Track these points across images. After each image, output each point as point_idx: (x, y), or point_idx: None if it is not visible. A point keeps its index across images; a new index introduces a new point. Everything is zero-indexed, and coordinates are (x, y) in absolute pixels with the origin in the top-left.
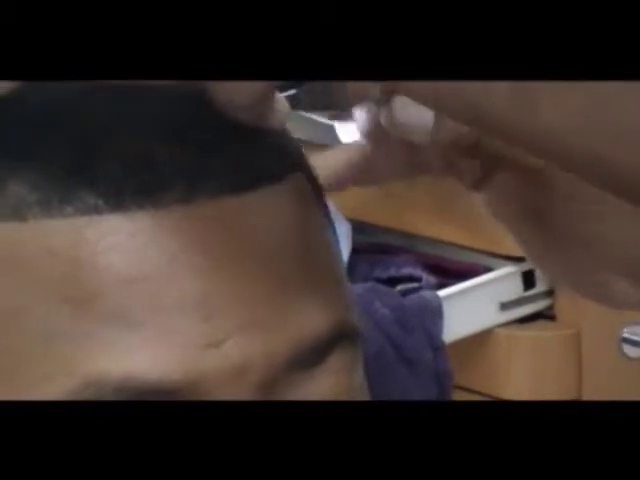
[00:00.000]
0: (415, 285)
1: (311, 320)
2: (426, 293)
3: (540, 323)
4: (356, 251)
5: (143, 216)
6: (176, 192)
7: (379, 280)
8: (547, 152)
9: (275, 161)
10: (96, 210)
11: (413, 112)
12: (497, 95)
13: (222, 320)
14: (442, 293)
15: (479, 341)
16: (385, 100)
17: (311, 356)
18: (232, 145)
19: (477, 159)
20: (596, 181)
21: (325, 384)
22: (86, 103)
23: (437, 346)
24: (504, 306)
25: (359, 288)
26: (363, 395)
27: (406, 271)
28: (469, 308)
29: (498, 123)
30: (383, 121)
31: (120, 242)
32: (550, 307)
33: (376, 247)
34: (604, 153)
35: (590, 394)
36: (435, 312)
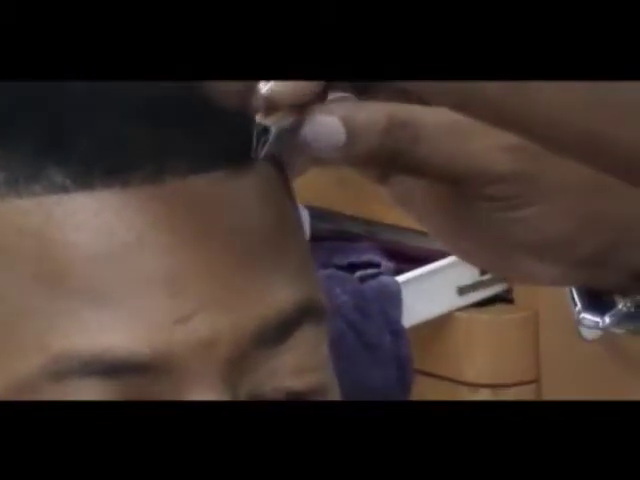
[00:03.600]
0: (374, 271)
1: (277, 296)
2: (385, 279)
3: (498, 306)
4: (315, 238)
5: (111, 195)
6: (145, 172)
7: (338, 267)
8: (544, 138)
9: (243, 143)
10: (64, 189)
11: (324, 131)
12: (495, 84)
13: (189, 296)
14: (401, 278)
15: (439, 325)
16: (294, 121)
17: (277, 332)
18: (201, 126)
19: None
20: (593, 162)
21: (291, 360)
22: (55, 83)
23: (397, 330)
24: (462, 290)
25: (319, 275)
26: (328, 372)
27: (365, 257)
28: (428, 293)
29: (492, 109)
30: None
31: (88, 220)
32: (508, 290)
33: (335, 234)
34: (602, 133)
35: (548, 375)
36: (394, 297)
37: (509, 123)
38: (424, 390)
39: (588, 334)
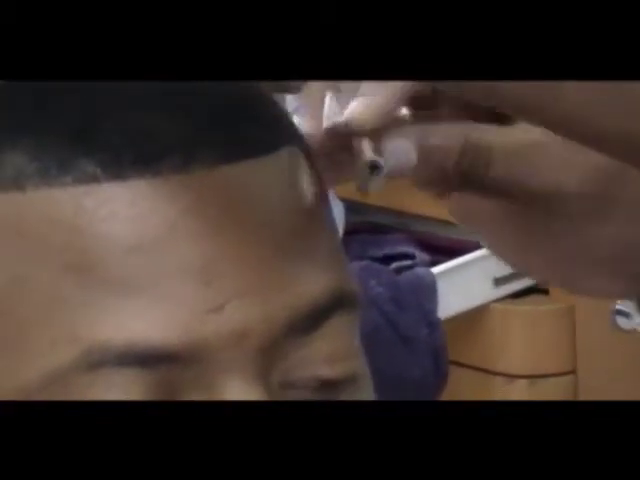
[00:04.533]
0: (409, 263)
1: (309, 285)
2: (420, 270)
3: (534, 297)
4: (350, 231)
5: (142, 184)
6: (174, 161)
7: (373, 259)
8: (575, 133)
9: (271, 132)
10: (95, 179)
11: (399, 152)
12: (529, 87)
13: (222, 285)
14: (436, 270)
15: (474, 317)
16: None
17: (309, 321)
18: (229, 116)
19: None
20: (626, 158)
21: (323, 349)
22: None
23: (432, 322)
24: (498, 281)
25: (354, 267)
26: (360, 361)
27: (400, 249)
28: (463, 284)
29: (526, 108)
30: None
31: (119, 210)
32: None
33: (369, 226)
34: (633, 129)
35: (584, 367)
36: (429, 289)
37: (547, 126)
38: (460, 381)
39: (624, 324)
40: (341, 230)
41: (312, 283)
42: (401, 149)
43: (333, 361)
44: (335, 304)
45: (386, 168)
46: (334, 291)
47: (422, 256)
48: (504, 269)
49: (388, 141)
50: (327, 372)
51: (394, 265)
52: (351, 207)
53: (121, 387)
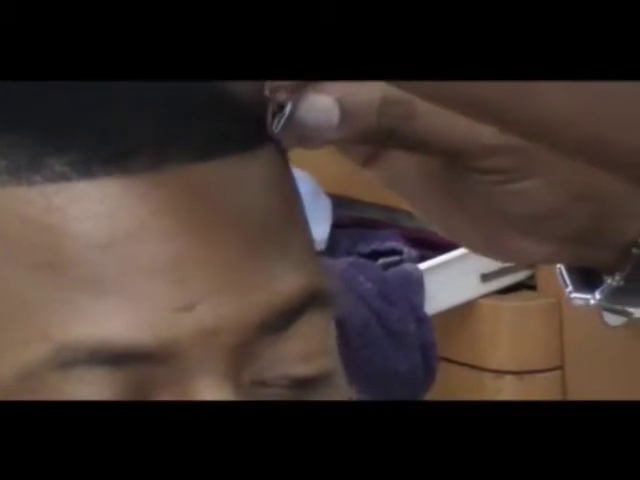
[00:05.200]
0: (397, 258)
1: (282, 284)
2: (408, 266)
3: (522, 293)
4: (338, 226)
5: (112, 183)
6: (145, 159)
7: (362, 254)
8: (547, 140)
9: (245, 131)
10: (65, 177)
11: (318, 111)
12: (498, 87)
13: (193, 284)
14: (424, 266)
15: (462, 312)
16: (289, 103)
17: (283, 318)
18: (202, 113)
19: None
20: (599, 164)
21: (296, 347)
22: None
23: (421, 317)
24: (485, 277)
25: (342, 262)
26: (334, 358)
27: (388, 245)
28: (451, 280)
29: (501, 115)
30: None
31: (89, 208)
32: (531, 277)
33: (357, 221)
34: (604, 136)
35: (572, 362)
36: (417, 284)
37: (512, 127)
38: (448, 377)
39: (612, 320)
40: (328, 225)
41: (285, 281)
42: (321, 105)
43: (306, 359)
44: (308, 302)
45: (306, 122)
46: (307, 289)
47: (410, 252)
48: (492, 265)
49: (307, 96)
50: (300, 370)
51: (382, 261)
52: (340, 202)
53: (92, 386)
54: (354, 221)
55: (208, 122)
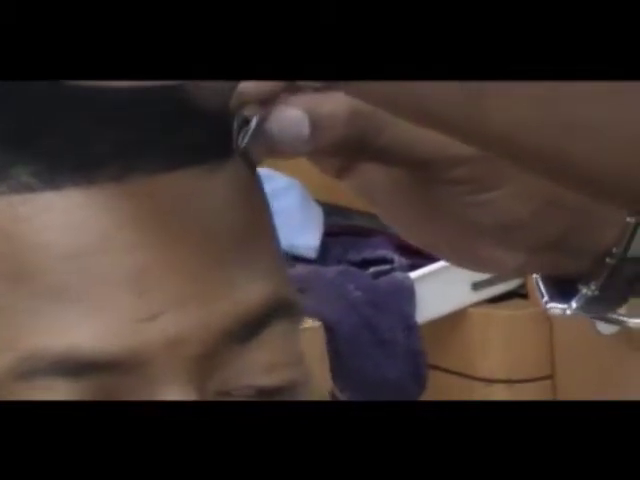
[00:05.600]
0: (387, 267)
1: (247, 294)
2: (398, 275)
3: (513, 302)
4: (329, 234)
5: (77, 193)
6: (110, 170)
7: (352, 262)
8: (502, 153)
9: (211, 142)
10: (30, 188)
11: (288, 124)
12: (451, 101)
13: (157, 294)
14: (415, 274)
15: (453, 321)
16: (253, 118)
17: (247, 329)
18: (167, 124)
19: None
20: (554, 178)
21: (261, 357)
22: (22, 82)
23: (410, 326)
24: (476, 286)
25: (332, 271)
26: (301, 369)
27: (379, 253)
28: (442, 288)
29: (456, 128)
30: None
31: (54, 219)
32: (522, 285)
33: (349, 229)
34: (559, 151)
35: (563, 371)
36: (407, 293)
37: (475, 144)
38: (439, 385)
39: (604, 329)
40: (319, 233)
41: (249, 291)
42: (293, 119)
43: (271, 370)
44: (273, 312)
45: (276, 135)
46: (272, 299)
47: (401, 260)
48: (482, 274)
49: (277, 110)
50: (265, 381)
51: (372, 269)
52: (331, 210)
53: (57, 395)
54: (345, 229)
55: (174, 133)
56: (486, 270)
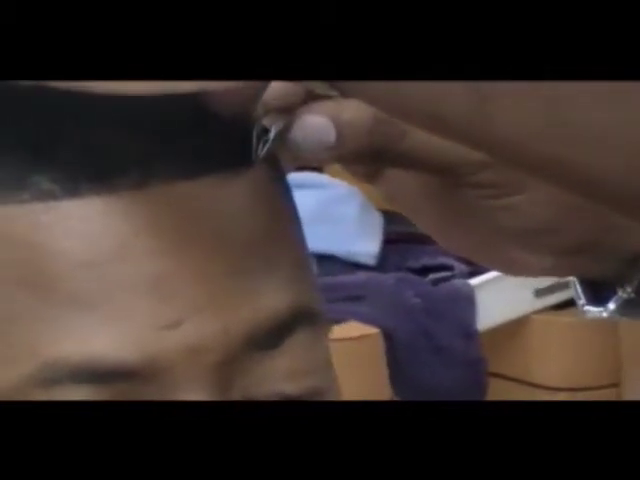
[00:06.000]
0: (447, 274)
1: (270, 301)
2: (457, 282)
3: (576, 309)
4: (389, 241)
5: (98, 201)
6: (130, 177)
7: (412, 269)
8: (507, 158)
9: (232, 149)
10: (51, 196)
11: (313, 131)
12: (456, 105)
13: (178, 301)
14: (475, 281)
15: (515, 328)
16: (282, 124)
17: (269, 337)
18: (188, 131)
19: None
20: (559, 184)
21: (285, 364)
22: (42, 90)
23: (469, 334)
24: (539, 292)
25: (390, 278)
26: (326, 376)
27: (438, 260)
28: (504, 295)
29: (458, 131)
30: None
31: (75, 227)
32: None
33: (409, 237)
34: (562, 156)
35: (629, 379)
36: (467, 300)
37: (480, 149)
38: (500, 393)
39: None
40: (379, 241)
41: (273, 299)
42: (317, 127)
43: (295, 377)
44: (295, 320)
45: (300, 143)
46: (294, 307)
47: (461, 267)
48: (546, 280)
49: (301, 117)
50: (287, 388)
51: (431, 276)
52: (390, 218)
53: None
54: (405, 236)
55: (194, 140)
56: (515, 273)
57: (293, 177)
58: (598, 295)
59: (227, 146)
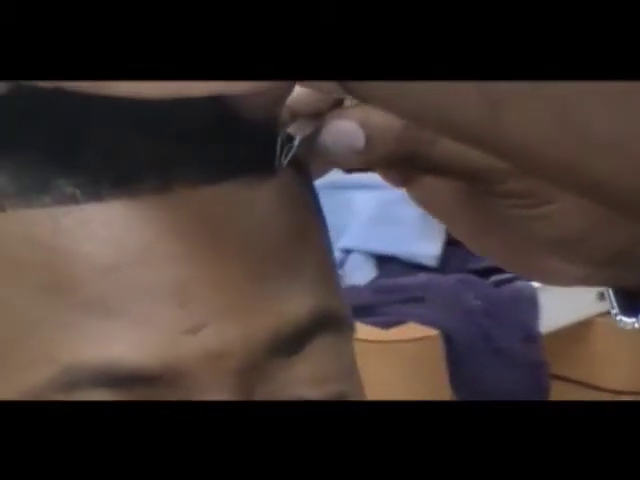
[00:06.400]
0: (509, 276)
1: (292, 307)
2: (520, 283)
3: None
4: (450, 242)
5: (119, 205)
6: (153, 182)
7: (473, 271)
8: (519, 164)
9: (257, 153)
10: (74, 200)
11: (343, 136)
12: (467, 110)
13: (199, 306)
14: (538, 283)
15: (578, 331)
16: (314, 129)
17: (292, 342)
18: (211, 135)
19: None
20: (570, 189)
21: (307, 370)
22: (64, 93)
23: (531, 336)
24: (603, 295)
25: (451, 279)
26: (350, 382)
27: None
28: (567, 298)
29: (470, 135)
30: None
31: (97, 231)
32: None
33: None
34: (573, 162)
35: None
36: (529, 302)
37: (491, 153)
38: (564, 396)
39: None
40: (441, 242)
41: (295, 304)
42: (347, 132)
43: (318, 383)
44: (320, 324)
45: (335, 151)
46: (317, 313)
47: None
48: None
49: (331, 122)
50: (311, 394)
51: (493, 278)
52: None
53: None
54: None
55: (218, 144)
56: (549, 282)
57: (353, 178)
58: (632, 305)
59: (251, 151)
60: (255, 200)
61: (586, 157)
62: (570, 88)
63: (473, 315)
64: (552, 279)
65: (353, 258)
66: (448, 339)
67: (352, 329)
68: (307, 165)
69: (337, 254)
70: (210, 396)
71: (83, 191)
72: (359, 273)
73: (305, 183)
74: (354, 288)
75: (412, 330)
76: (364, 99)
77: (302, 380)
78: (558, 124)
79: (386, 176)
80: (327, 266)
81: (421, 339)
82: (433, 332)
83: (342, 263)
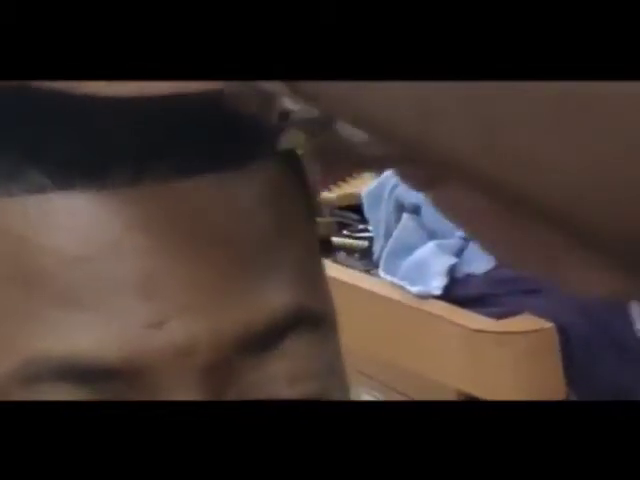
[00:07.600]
0: None
1: (264, 302)
2: None
3: None
4: None
5: (89, 196)
6: (124, 174)
7: None
8: (453, 174)
9: (237, 147)
10: (42, 189)
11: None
12: (403, 118)
13: (164, 300)
14: None
15: None
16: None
17: (265, 339)
18: (186, 128)
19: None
20: (500, 201)
21: (281, 369)
22: (37, 85)
23: None
24: None
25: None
26: (329, 380)
27: None
28: None
29: (411, 147)
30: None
31: (64, 221)
32: None
33: None
34: (500, 177)
35: None
36: None
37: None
38: None
39: None
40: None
41: (268, 300)
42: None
43: (294, 382)
44: (296, 322)
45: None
46: (295, 309)
47: None
48: None
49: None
50: (287, 393)
51: None
52: None
53: None
54: None
55: (192, 137)
56: (579, 293)
57: None
58: None
59: (228, 143)
60: (229, 196)
61: (513, 173)
62: (497, 106)
63: (591, 308)
64: (581, 290)
65: (472, 247)
66: (562, 332)
67: (335, 326)
68: (299, 158)
69: (456, 241)
70: (175, 394)
71: (53, 181)
72: (477, 262)
73: (294, 175)
74: (470, 277)
75: (527, 322)
76: (309, 100)
77: (277, 378)
78: (483, 140)
79: (406, 176)
80: (308, 260)
81: (535, 331)
82: (548, 325)
83: (461, 251)
